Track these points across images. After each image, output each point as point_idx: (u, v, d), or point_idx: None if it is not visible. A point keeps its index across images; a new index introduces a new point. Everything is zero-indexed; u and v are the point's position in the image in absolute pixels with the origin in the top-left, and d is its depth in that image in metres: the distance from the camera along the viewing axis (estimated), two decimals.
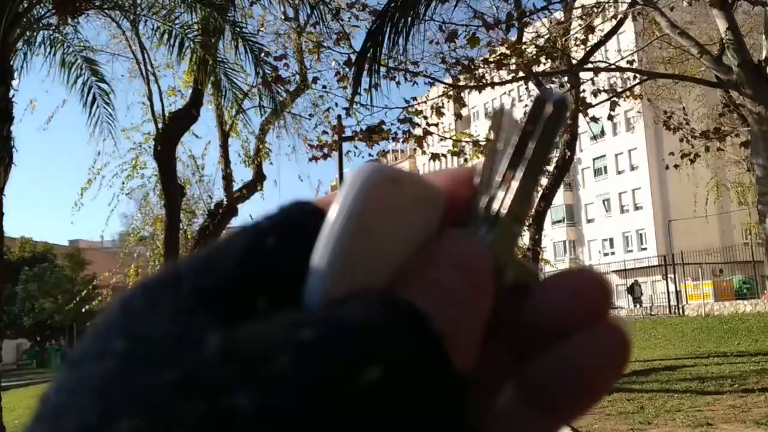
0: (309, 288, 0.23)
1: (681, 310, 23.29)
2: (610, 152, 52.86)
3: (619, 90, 7.98)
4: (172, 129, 13.38)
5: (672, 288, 32.76)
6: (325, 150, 9.60)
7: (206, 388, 0.20)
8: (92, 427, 0.20)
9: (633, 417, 8.37)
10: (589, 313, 0.27)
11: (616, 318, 0.26)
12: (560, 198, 54.50)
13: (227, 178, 14.76)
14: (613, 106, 7.80)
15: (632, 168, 51.41)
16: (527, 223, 16.61)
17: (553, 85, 9.20)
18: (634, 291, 29.58)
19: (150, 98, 13.31)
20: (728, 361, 13.75)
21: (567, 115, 0.27)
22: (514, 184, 0.26)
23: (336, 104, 9.83)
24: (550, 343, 0.26)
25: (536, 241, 15.80)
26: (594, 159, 53.34)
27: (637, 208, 50.94)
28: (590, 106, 8.45)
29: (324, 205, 0.24)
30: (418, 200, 0.24)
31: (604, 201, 53.90)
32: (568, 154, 15.26)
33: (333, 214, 0.22)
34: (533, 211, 16.35)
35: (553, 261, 45.46)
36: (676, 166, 11.28)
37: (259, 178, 15.44)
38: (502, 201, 0.26)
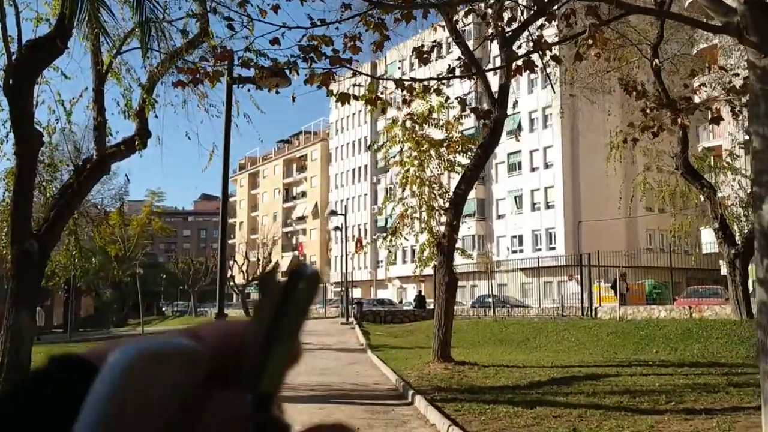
0: None
1: (593, 313, 22.36)
2: (526, 148, 52.39)
3: (593, 26, 6.34)
4: (28, 60, 10.94)
5: (578, 290, 32.30)
6: (198, 75, 7.49)
7: None
8: None
9: None
10: None
11: None
12: (471, 192, 53.56)
13: (99, 127, 12.37)
14: (593, 36, 6.07)
15: (546, 166, 51.10)
16: (445, 208, 15.05)
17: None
18: (619, 286, 24.73)
19: (2, 19, 10.82)
20: (653, 371, 12.55)
21: (319, 288, 0.31)
22: (274, 348, 0.30)
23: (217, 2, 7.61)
24: None
25: (453, 227, 14.17)
26: (509, 154, 52.70)
27: (548, 206, 50.68)
28: (550, 45, 6.80)
29: (95, 357, 0.27)
30: (177, 369, 0.28)
31: (515, 197, 53.47)
32: (489, 138, 13.69)
33: (95, 392, 0.25)
34: (452, 194, 14.74)
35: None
36: (635, 141, 9.85)
37: (142, 133, 13.10)
38: (263, 364, 0.29)
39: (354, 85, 6.65)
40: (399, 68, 43.80)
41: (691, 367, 12.83)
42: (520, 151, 52.64)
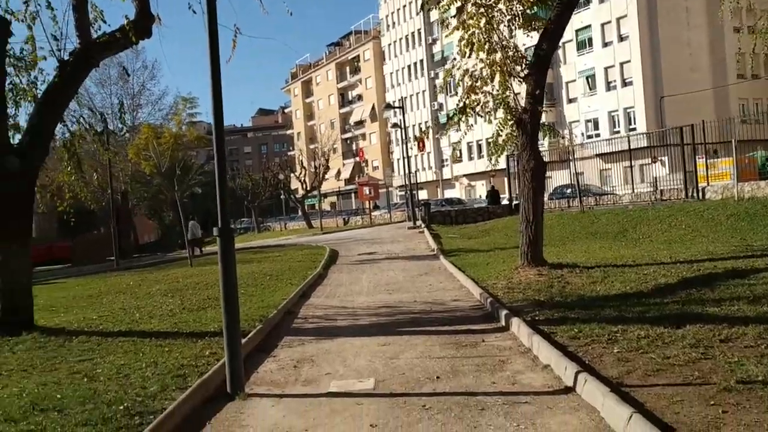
0: None
1: (700, 194, 19.18)
2: (596, 22, 47.54)
3: None
4: None
5: (665, 172, 28.71)
6: None
7: None
8: None
9: None
10: None
11: None
12: None
13: (79, 7, 9.79)
14: None
15: (621, 39, 46.31)
16: (523, 75, 11.92)
17: None
18: None
19: None
20: None
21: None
22: None
23: None
24: None
25: (536, 98, 11.22)
26: (576, 31, 48.01)
27: (625, 83, 46.20)
28: None
29: None
30: None
31: (587, 77, 49.04)
32: None
33: None
34: (532, 56, 11.70)
35: None
36: None
37: (144, 17, 10.39)
38: None
39: None
40: None
41: None
42: (589, 26, 47.85)
